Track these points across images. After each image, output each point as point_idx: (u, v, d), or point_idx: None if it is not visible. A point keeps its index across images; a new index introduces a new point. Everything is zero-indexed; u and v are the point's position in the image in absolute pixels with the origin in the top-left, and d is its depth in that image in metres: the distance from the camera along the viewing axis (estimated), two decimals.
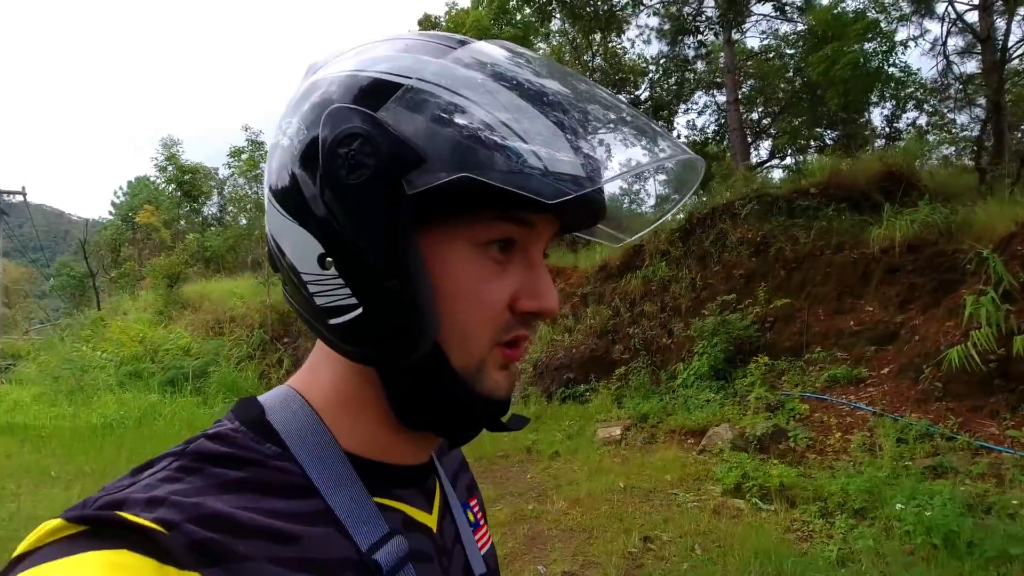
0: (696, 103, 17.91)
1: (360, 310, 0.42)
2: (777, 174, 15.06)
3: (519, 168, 0.39)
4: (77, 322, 15.19)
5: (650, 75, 16.78)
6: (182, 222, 19.21)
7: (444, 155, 0.39)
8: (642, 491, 4.79)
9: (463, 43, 0.45)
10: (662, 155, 0.47)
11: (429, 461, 0.54)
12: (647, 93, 16.99)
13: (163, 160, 17.32)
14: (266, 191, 0.46)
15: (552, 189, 0.40)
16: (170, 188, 18.24)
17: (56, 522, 0.35)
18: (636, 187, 0.66)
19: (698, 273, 8.67)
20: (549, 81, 0.44)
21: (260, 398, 0.48)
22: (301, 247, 0.43)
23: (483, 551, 0.58)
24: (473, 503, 0.63)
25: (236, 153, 16.31)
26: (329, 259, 0.42)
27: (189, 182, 17.47)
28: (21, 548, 0.34)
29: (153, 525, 0.34)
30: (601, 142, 0.45)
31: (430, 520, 0.50)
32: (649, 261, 9.26)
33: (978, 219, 6.49)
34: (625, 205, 0.61)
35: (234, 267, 16.73)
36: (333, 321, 0.43)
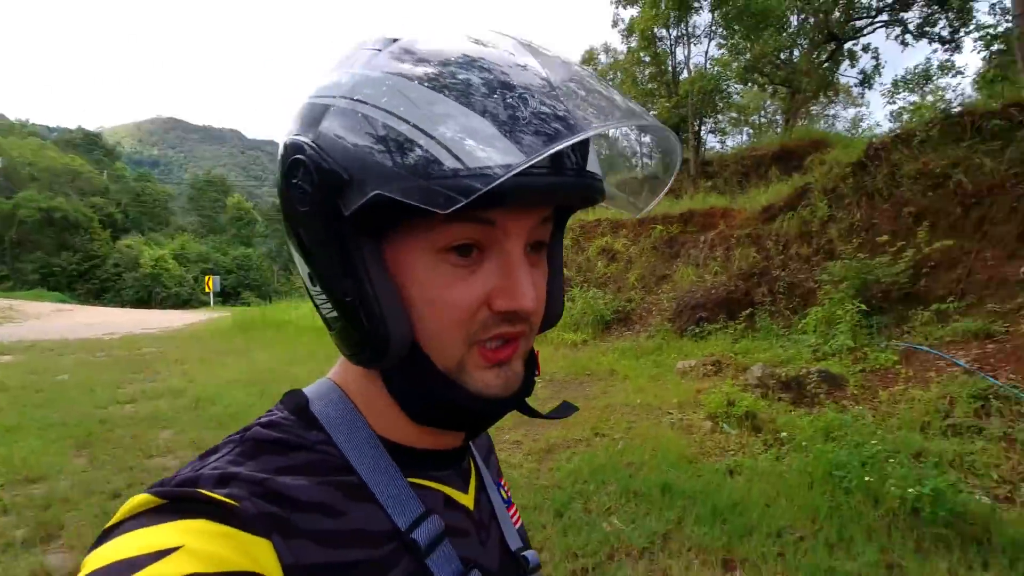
0: None
1: (341, 321, 0.46)
2: None
3: (424, 172, 0.36)
4: None
5: None
6: None
7: (360, 173, 0.39)
8: (645, 407, 5.50)
9: (394, 41, 0.44)
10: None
11: (463, 444, 0.56)
12: None
13: None
14: None
15: (457, 190, 0.36)
16: None
17: (143, 496, 0.39)
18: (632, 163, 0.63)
19: (860, 213, 7.76)
20: (512, 69, 0.40)
21: (305, 390, 0.52)
22: (299, 265, 0.47)
23: (516, 526, 0.62)
24: (503, 483, 0.67)
25: None
26: (314, 277, 0.45)
27: None
28: (114, 520, 0.39)
29: (225, 499, 0.39)
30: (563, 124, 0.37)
31: (467, 499, 0.54)
32: (812, 201, 8.54)
33: None
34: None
35: None
36: (330, 330, 0.48)
